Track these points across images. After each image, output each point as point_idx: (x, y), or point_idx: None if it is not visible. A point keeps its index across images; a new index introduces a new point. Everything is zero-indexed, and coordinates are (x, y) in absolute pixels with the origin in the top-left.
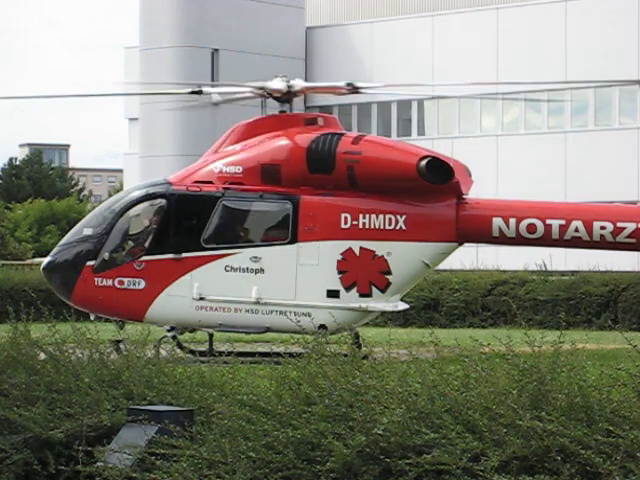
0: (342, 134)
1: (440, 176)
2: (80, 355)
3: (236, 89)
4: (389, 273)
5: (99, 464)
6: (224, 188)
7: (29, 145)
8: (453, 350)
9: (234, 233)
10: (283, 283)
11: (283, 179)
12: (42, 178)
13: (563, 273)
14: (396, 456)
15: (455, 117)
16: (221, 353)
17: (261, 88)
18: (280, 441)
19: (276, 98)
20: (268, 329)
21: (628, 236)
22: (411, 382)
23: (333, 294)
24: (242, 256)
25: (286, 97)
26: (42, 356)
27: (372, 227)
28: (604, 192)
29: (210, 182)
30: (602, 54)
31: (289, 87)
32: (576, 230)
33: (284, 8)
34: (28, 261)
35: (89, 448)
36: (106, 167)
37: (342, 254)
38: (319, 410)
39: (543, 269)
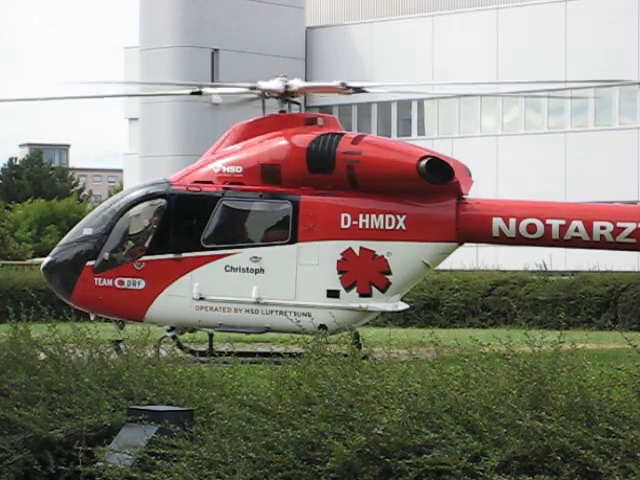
0: (342, 134)
1: (440, 176)
2: (80, 355)
3: (234, 90)
4: (389, 273)
5: (99, 464)
6: (224, 188)
7: (29, 145)
8: (453, 350)
9: (234, 233)
10: (283, 283)
11: (283, 179)
12: (42, 178)
13: (563, 273)
14: (396, 456)
15: (455, 117)
16: (221, 353)
17: (258, 88)
18: (280, 441)
19: (276, 98)
20: (268, 329)
21: (628, 236)
22: (411, 382)
23: (333, 294)
24: (242, 256)
25: (284, 97)
26: (42, 356)
27: (372, 227)
28: (604, 192)
29: (210, 182)
30: (602, 54)
31: (286, 87)
32: (576, 230)
33: (284, 8)
34: (28, 261)
35: (89, 448)
36: (106, 167)
37: (342, 254)
38: (319, 410)
39: (543, 269)
